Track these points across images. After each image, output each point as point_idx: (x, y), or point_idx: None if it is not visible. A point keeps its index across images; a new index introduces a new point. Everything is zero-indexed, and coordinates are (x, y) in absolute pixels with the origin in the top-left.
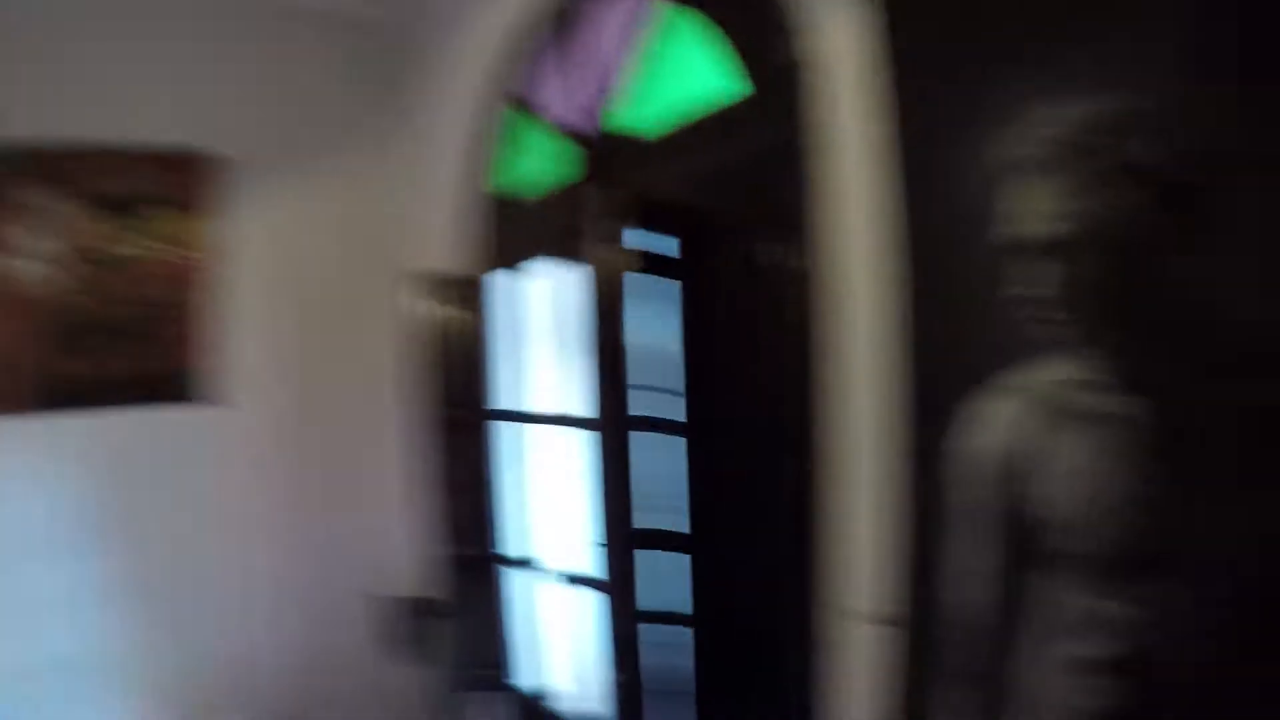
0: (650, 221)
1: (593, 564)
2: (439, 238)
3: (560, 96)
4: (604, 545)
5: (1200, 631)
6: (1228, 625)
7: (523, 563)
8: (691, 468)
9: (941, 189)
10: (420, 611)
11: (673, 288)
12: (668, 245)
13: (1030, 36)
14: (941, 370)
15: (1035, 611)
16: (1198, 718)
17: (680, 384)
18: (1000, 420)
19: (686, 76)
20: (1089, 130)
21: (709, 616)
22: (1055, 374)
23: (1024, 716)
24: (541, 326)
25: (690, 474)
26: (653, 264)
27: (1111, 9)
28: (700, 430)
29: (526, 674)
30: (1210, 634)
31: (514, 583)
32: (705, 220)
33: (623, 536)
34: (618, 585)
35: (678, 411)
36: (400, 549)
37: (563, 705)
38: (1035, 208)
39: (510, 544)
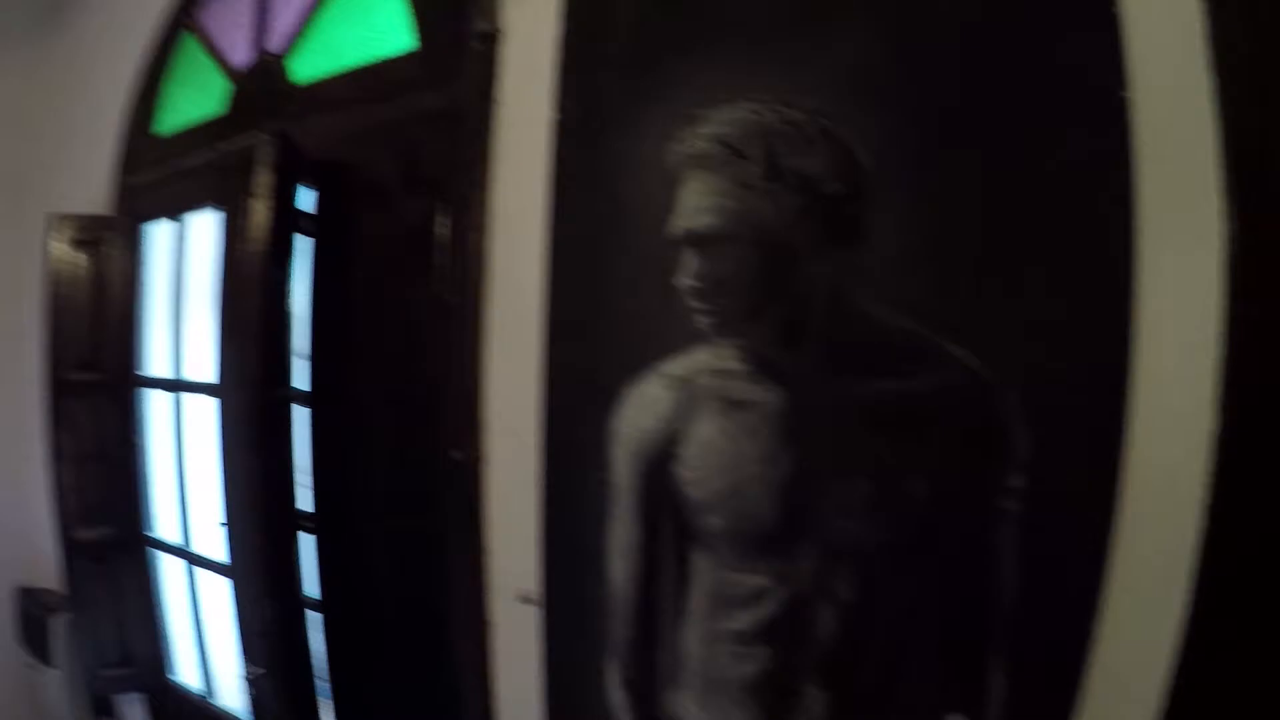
0: (299, 174)
1: (225, 547)
2: (91, 175)
3: (236, 31)
4: (229, 525)
5: (834, 598)
6: (859, 591)
7: (170, 547)
8: (318, 441)
9: (615, 176)
10: (55, 604)
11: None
12: (312, 200)
13: (710, 38)
14: (605, 353)
15: (692, 586)
16: (839, 678)
17: (307, 349)
18: (653, 404)
19: (366, 27)
20: (745, 133)
21: (341, 600)
22: (702, 361)
23: (688, 687)
24: (196, 283)
25: (316, 448)
26: (298, 219)
27: (789, 21)
28: (329, 401)
29: (180, 670)
30: (842, 600)
31: (162, 569)
32: (355, 177)
33: (249, 515)
34: (243, 569)
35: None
36: (44, 534)
37: (219, 702)
38: (690, 202)
39: (157, 525)
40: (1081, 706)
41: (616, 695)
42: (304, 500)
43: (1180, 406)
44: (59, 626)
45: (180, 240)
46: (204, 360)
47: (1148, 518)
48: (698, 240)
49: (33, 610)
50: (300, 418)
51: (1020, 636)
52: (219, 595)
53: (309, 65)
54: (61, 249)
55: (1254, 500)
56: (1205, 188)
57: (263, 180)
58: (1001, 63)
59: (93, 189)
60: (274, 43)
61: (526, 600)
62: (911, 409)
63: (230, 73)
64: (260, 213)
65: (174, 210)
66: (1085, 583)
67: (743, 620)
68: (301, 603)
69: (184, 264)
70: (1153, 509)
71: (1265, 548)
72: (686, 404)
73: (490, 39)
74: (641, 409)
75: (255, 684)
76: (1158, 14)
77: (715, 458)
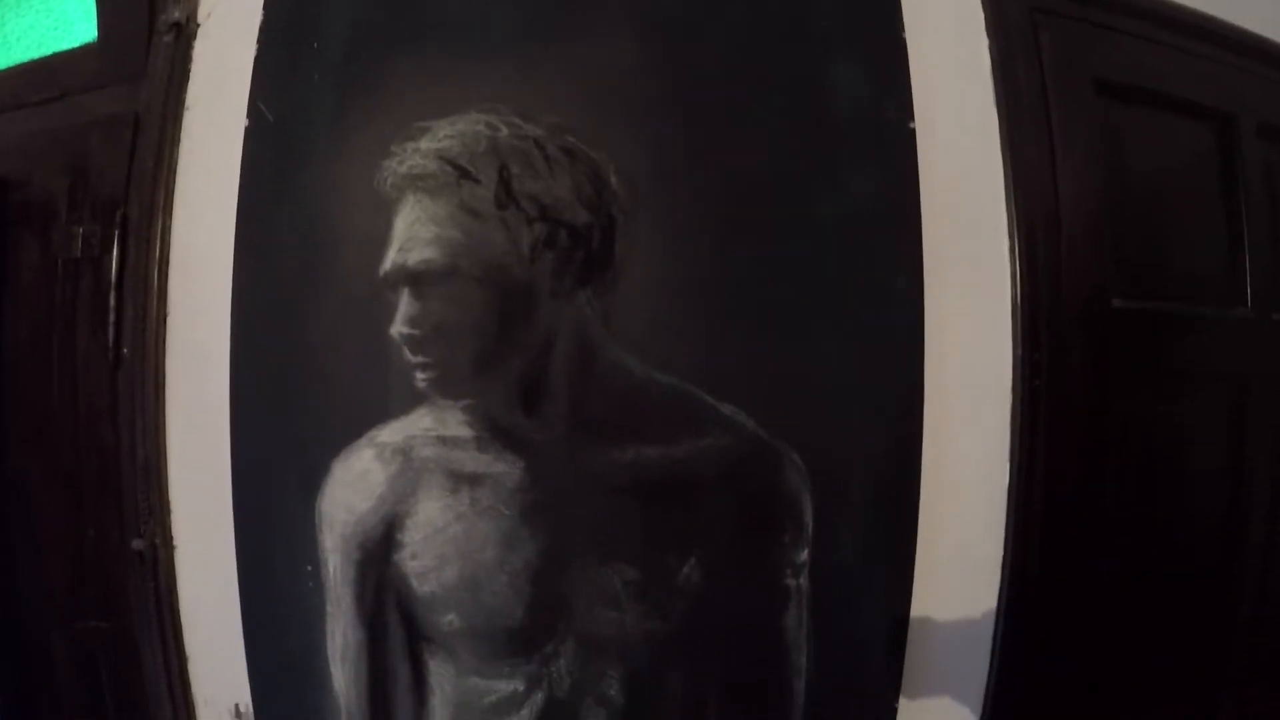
0: None
1: None
2: None
3: None
4: None
5: (601, 698)
6: (629, 689)
7: None
8: None
9: (320, 198)
10: None
11: None
12: None
13: (437, 34)
14: (307, 417)
15: (432, 694)
16: None
17: None
18: (366, 481)
19: (46, 13)
20: (474, 149)
21: None
22: (423, 427)
23: None
24: None
25: None
26: None
27: (531, 18)
28: None
29: None
30: (611, 699)
31: None
32: (15, 195)
33: None
34: None
35: None
36: None
37: None
38: (406, 232)
39: None
40: None
41: None
42: None
43: (974, 462)
44: None
45: None
46: None
47: (944, 583)
48: (414, 278)
49: None
50: None
51: None
52: None
53: None
54: None
55: (1054, 559)
56: (994, 226)
57: None
58: (774, 81)
59: None
60: None
61: (241, 715)
62: (679, 478)
63: None
64: None
65: None
66: (883, 661)
67: None
68: None
69: None
70: (949, 575)
71: (1069, 608)
72: (406, 479)
73: (181, 30)
74: (352, 486)
75: None
76: (942, 42)
77: (444, 544)
